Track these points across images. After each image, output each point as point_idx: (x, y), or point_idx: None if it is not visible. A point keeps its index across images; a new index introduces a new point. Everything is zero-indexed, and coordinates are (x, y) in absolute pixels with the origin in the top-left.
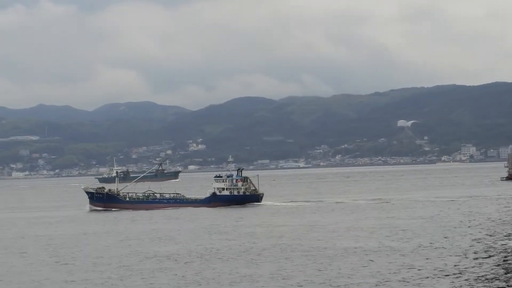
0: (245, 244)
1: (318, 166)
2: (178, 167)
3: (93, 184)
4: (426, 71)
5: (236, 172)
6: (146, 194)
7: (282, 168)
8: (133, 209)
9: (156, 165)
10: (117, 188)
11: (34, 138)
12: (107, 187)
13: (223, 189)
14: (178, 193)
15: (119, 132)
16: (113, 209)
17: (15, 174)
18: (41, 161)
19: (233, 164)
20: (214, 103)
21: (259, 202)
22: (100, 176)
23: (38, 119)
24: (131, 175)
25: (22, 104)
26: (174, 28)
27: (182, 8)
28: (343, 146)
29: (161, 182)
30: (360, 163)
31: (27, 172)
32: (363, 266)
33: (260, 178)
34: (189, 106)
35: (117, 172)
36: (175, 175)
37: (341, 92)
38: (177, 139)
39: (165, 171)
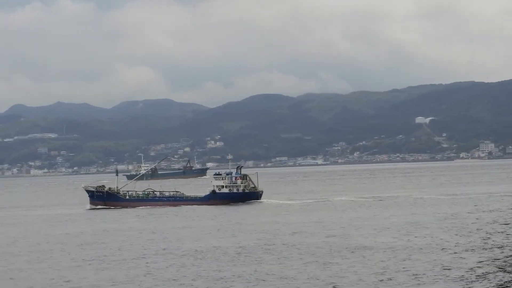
0: (298, 241)
1: (336, 163)
2: (196, 165)
3: (116, 181)
4: (444, 68)
5: (235, 170)
6: (146, 192)
7: (300, 165)
8: (133, 207)
9: (183, 162)
10: (117, 187)
11: (53, 135)
12: (123, 184)
13: (223, 186)
14: (177, 191)
15: (137, 130)
16: (113, 207)
17: (33, 171)
18: (59, 159)
19: (233, 162)
20: (232, 100)
21: (258, 199)
22: (128, 173)
23: (57, 117)
24: (159, 172)
25: (41, 102)
26: (192, 26)
27: (200, 5)
28: (361, 143)
29: (189, 179)
30: (378, 160)
31: (45, 170)
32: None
33: (288, 175)
34: (207, 104)
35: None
36: (203, 172)
37: (359, 89)
38: (195, 136)
39: (193, 168)
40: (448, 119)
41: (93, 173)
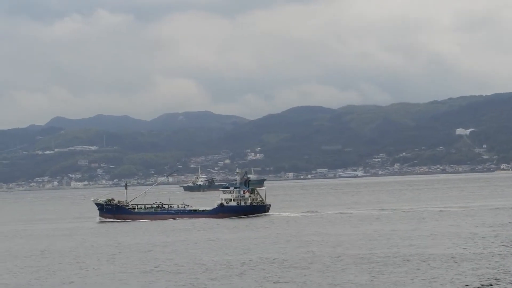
0: (342, 252)
1: (376, 174)
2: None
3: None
4: (484, 79)
5: (243, 183)
6: (155, 206)
7: (340, 177)
8: (142, 220)
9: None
10: (126, 200)
11: (93, 148)
12: (166, 197)
13: (230, 200)
14: (186, 204)
15: (177, 142)
16: (122, 220)
17: (74, 184)
18: (99, 171)
19: (240, 175)
20: (272, 112)
21: (266, 213)
22: (185, 185)
23: (97, 129)
24: (216, 183)
25: (81, 114)
26: (231, 38)
27: (239, 17)
28: (401, 155)
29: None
30: (418, 171)
31: (86, 182)
32: None
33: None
34: (247, 116)
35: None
36: (260, 183)
37: (399, 101)
38: (235, 148)
39: (250, 180)
40: (488, 130)
41: (133, 185)
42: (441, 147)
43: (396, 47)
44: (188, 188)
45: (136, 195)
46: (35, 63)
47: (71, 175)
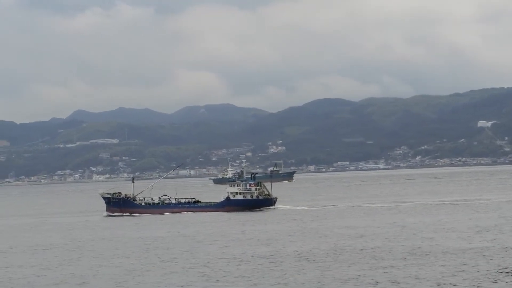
0: (390, 245)
1: (398, 167)
2: (257, 169)
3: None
4: (506, 71)
5: (250, 176)
6: (162, 199)
7: (362, 169)
8: (149, 213)
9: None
10: (133, 193)
11: (114, 141)
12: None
13: (237, 193)
14: (192, 198)
15: (198, 135)
16: (129, 214)
17: (95, 177)
18: (121, 164)
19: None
20: (294, 105)
21: (272, 206)
22: (215, 177)
23: (118, 122)
24: (245, 176)
25: (102, 108)
26: (252, 30)
27: (259, 9)
28: (423, 147)
29: (276, 183)
30: (440, 164)
31: (107, 175)
32: None
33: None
34: (269, 108)
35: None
36: (290, 175)
37: (421, 93)
38: (256, 141)
39: (280, 172)
40: (510, 122)
41: (155, 178)
42: (462, 140)
43: (417, 39)
44: (218, 181)
45: (157, 188)
46: (56, 56)
47: (92, 168)
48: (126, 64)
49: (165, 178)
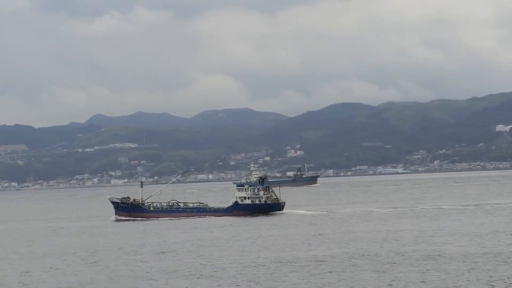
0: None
1: (416, 171)
2: (275, 173)
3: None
4: None
5: (258, 181)
6: (170, 204)
7: (380, 174)
8: (158, 218)
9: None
10: (141, 198)
11: (133, 145)
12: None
13: (245, 198)
14: (201, 202)
15: (217, 139)
16: (138, 218)
17: (114, 181)
18: (139, 168)
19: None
20: (312, 109)
21: (280, 211)
22: (238, 181)
23: (137, 127)
24: (269, 180)
25: (121, 112)
26: (271, 34)
27: (278, 14)
28: (441, 152)
29: (300, 187)
30: (458, 168)
31: (125, 180)
32: None
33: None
34: (287, 113)
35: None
36: (313, 179)
37: (439, 97)
38: (275, 145)
39: (304, 176)
40: None
41: (173, 183)
42: (481, 144)
43: (435, 43)
44: (241, 185)
45: (175, 192)
46: (74, 60)
47: (111, 173)
48: (144, 68)
49: (173, 183)
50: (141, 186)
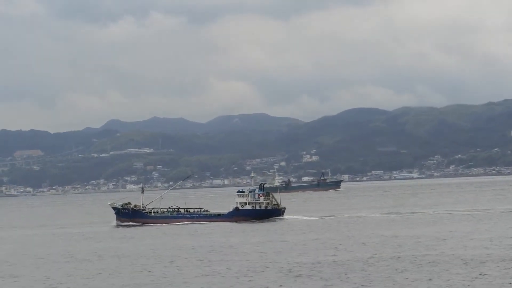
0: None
1: (432, 176)
2: (289, 178)
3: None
4: None
5: (258, 187)
6: (171, 209)
7: (395, 178)
8: (159, 224)
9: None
10: (142, 204)
11: (148, 150)
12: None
13: (246, 203)
14: (201, 208)
15: (233, 144)
16: (139, 224)
17: (129, 186)
18: (155, 174)
19: (256, 177)
20: (328, 114)
21: (281, 216)
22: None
23: (152, 132)
24: (293, 185)
25: (136, 117)
26: (286, 39)
27: (293, 19)
28: (456, 157)
29: (323, 192)
30: (474, 173)
31: (141, 185)
32: None
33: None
34: (303, 118)
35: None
36: (337, 184)
37: (455, 102)
38: (290, 150)
39: (327, 181)
40: None
41: (189, 188)
42: (496, 149)
43: (451, 48)
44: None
45: (192, 197)
46: (90, 66)
47: (126, 178)
48: (160, 74)
49: (174, 189)
50: (142, 192)
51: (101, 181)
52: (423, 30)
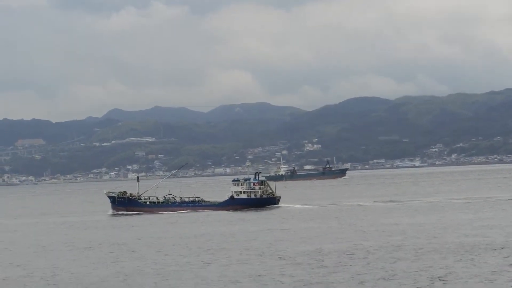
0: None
1: (433, 165)
2: (294, 166)
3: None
4: None
5: (254, 175)
6: (166, 198)
7: (397, 167)
8: (154, 212)
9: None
10: (138, 192)
11: (150, 139)
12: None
13: (241, 192)
14: (197, 197)
15: (234, 133)
16: (135, 212)
17: (131, 175)
18: (157, 162)
19: (252, 167)
20: (329, 103)
21: (276, 205)
22: (267, 174)
23: (154, 121)
24: (298, 173)
25: (138, 106)
26: (287, 29)
27: (294, 9)
28: (458, 145)
29: (328, 180)
30: (475, 162)
31: (143, 174)
32: None
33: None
34: (304, 107)
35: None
36: (342, 172)
37: (457, 91)
38: (292, 139)
39: (333, 169)
40: None
41: (191, 176)
42: (498, 137)
43: (453, 37)
44: (271, 178)
45: (195, 186)
46: (92, 56)
47: (128, 167)
48: (161, 63)
49: (168, 178)
50: (138, 181)
51: (103, 170)
52: (424, 20)
